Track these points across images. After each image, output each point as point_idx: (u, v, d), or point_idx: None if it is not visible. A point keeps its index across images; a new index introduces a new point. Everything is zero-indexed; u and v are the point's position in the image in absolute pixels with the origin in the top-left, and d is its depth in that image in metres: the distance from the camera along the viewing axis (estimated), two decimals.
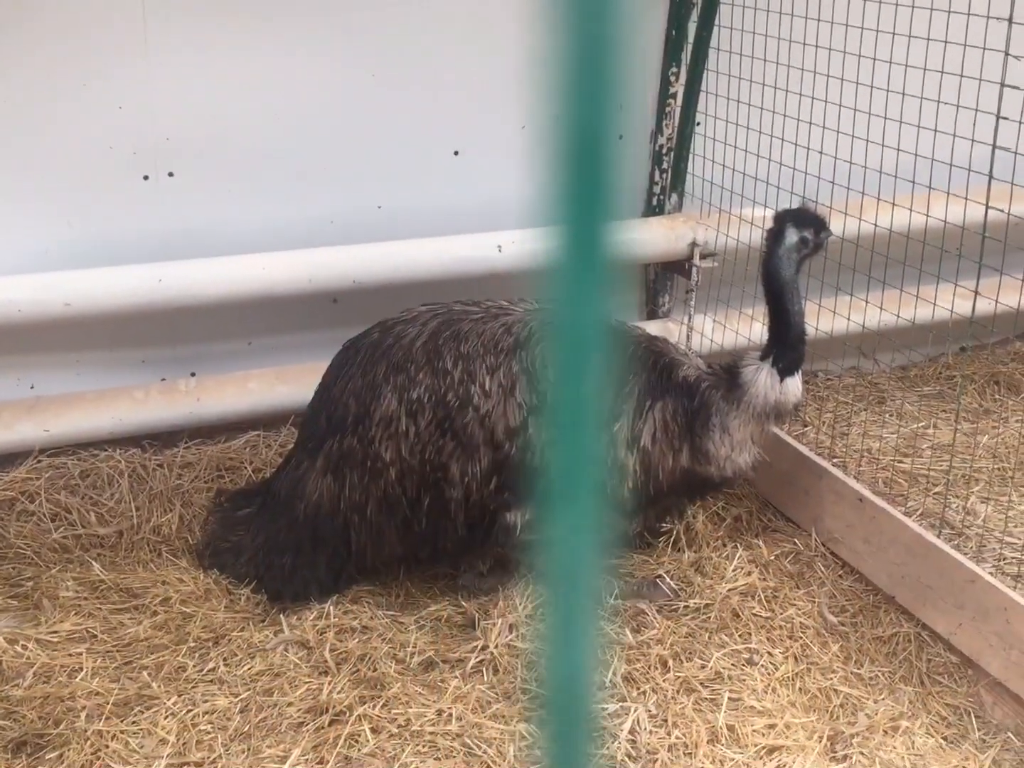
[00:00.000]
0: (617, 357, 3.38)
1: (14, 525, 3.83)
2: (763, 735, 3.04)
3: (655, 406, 3.52)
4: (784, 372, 3.50)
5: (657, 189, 4.65)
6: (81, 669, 3.26)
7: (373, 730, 3.05)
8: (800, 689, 3.26)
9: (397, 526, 3.51)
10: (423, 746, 3.01)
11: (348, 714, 3.07)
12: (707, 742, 3.01)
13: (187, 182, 4.00)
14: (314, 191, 4.20)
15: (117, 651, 3.36)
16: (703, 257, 4.48)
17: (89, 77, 3.77)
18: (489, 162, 4.37)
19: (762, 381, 3.50)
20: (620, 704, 3.13)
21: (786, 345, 3.50)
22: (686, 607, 3.53)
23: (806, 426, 4.51)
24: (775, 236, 3.48)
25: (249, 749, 2.98)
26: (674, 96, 4.48)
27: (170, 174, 3.98)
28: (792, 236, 3.47)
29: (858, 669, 3.34)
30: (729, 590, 3.57)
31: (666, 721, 3.09)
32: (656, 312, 4.80)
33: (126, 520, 3.90)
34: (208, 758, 2.95)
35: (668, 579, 3.61)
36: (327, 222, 4.22)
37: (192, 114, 3.94)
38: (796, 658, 3.36)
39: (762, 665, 3.32)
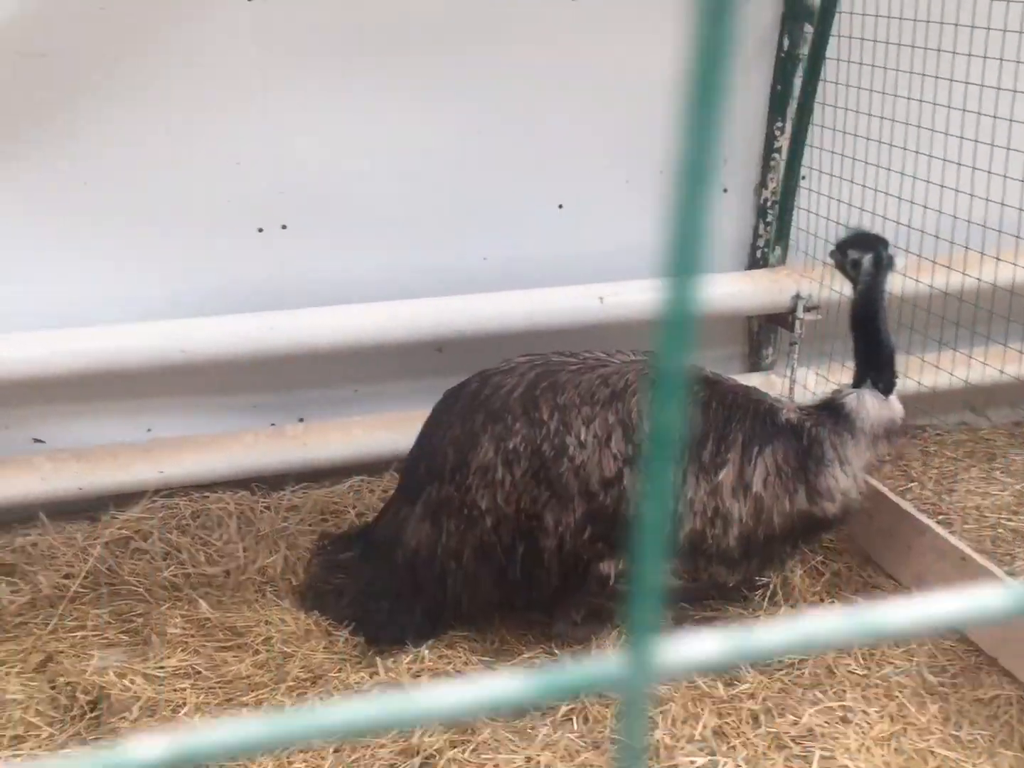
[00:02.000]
0: (715, 406, 3.41)
1: (128, 563, 3.98)
2: None
3: (764, 451, 3.54)
4: (885, 391, 3.54)
5: (761, 242, 4.66)
6: (184, 704, 3.37)
7: (453, 759, 3.09)
8: (896, 750, 3.20)
9: (492, 574, 3.56)
10: None
11: (438, 758, 3.12)
12: None
13: (299, 234, 4.14)
14: (421, 243, 4.31)
15: (220, 687, 3.47)
16: (806, 310, 4.48)
17: (210, 136, 3.94)
18: (593, 215, 4.44)
19: (869, 403, 3.53)
20: (709, 758, 3.13)
21: (882, 365, 3.54)
22: (780, 662, 3.50)
23: (912, 481, 4.46)
24: (875, 263, 3.50)
25: None
26: (779, 150, 4.49)
27: (283, 226, 4.13)
28: (885, 258, 3.52)
29: (957, 731, 3.27)
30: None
31: None
32: (759, 364, 4.80)
33: (233, 560, 4.02)
34: None
35: None
36: (433, 273, 4.32)
37: (306, 170, 4.09)
38: (892, 718, 3.31)
39: (856, 723, 3.27)
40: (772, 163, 4.52)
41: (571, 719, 3.30)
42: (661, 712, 3.28)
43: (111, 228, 3.94)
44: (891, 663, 3.51)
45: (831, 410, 3.59)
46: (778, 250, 4.63)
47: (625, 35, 4.18)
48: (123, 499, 4.14)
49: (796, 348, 4.54)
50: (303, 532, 4.18)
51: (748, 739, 3.21)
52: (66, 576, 3.94)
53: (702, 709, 3.29)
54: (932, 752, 3.19)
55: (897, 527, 3.91)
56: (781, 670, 3.48)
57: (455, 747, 3.16)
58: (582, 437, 3.44)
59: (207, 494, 4.20)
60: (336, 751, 3.18)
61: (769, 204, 4.60)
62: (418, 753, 3.14)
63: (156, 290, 4.02)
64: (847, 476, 3.56)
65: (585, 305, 4.28)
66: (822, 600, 3.79)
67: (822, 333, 4.42)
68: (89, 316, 3.91)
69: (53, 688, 3.46)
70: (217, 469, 4.13)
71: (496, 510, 3.49)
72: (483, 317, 4.22)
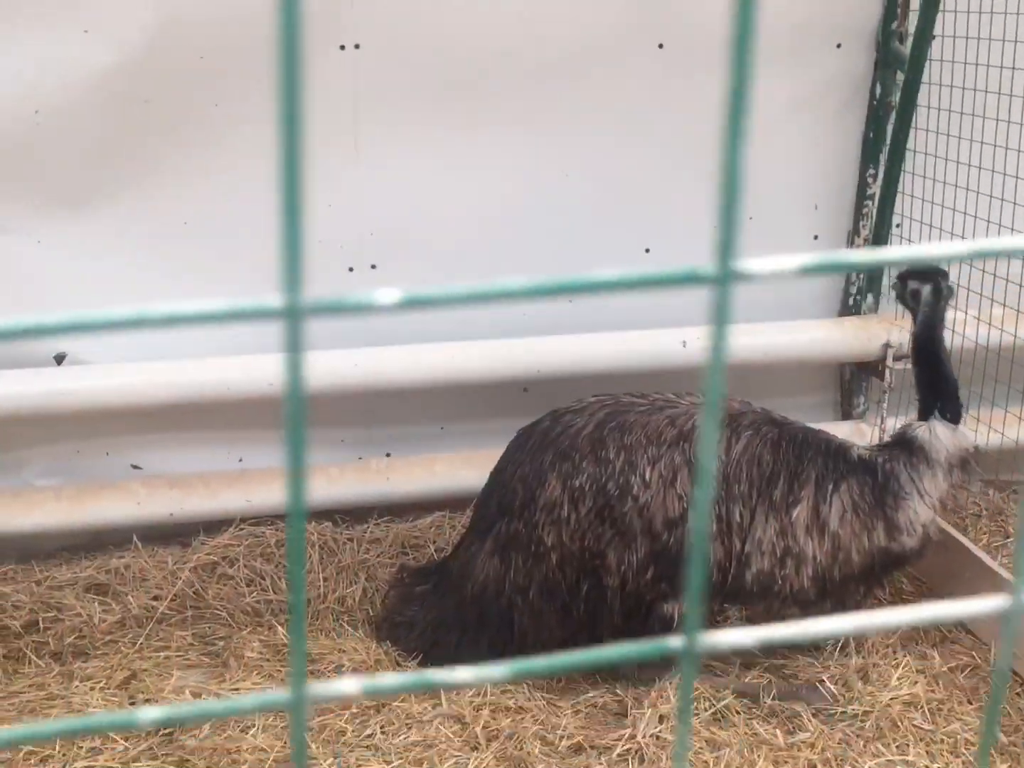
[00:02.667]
0: (785, 445, 3.39)
1: (213, 587, 4.13)
2: None
3: (839, 487, 3.53)
4: (954, 420, 3.54)
5: (853, 289, 4.62)
6: (253, 726, 3.47)
7: None
8: None
9: (557, 611, 3.59)
10: None
11: None
12: None
13: (388, 274, 4.27)
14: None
15: (289, 712, 3.55)
16: (896, 359, 4.42)
17: (307, 167, 4.10)
18: (680, 260, 4.46)
19: (942, 434, 3.53)
20: None
21: (947, 394, 3.55)
22: (843, 713, 3.44)
23: (1008, 538, 4.35)
24: (935, 293, 3.53)
25: None
26: (872, 197, 4.46)
27: (372, 266, 4.26)
28: (946, 290, 3.56)
29: None
30: (891, 699, 3.46)
31: None
32: (851, 413, 4.74)
33: (314, 589, 4.13)
34: None
35: (828, 684, 3.53)
36: (519, 313, 4.40)
37: (396, 212, 4.21)
38: None
39: None
40: (865, 210, 4.49)
41: (627, 759, 3.30)
42: (716, 756, 3.26)
43: (207, 266, 4.11)
44: (960, 719, 3.42)
45: (902, 444, 3.59)
46: (870, 298, 4.59)
47: (710, 81, 4.22)
48: (212, 526, 4.29)
49: (886, 397, 4.48)
50: (383, 564, 4.27)
51: None
52: (155, 598, 4.10)
53: (758, 756, 3.25)
54: None
55: (978, 582, 3.82)
56: (844, 721, 3.42)
57: None
58: (647, 477, 3.46)
59: None
60: None
61: None
62: None
63: (248, 326, 4.17)
64: (926, 507, 3.54)
65: (668, 349, 4.31)
66: (895, 652, 3.70)
67: (912, 382, 4.35)
68: (185, 350, 4.09)
69: (132, 704, 3.59)
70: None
71: (561, 547, 3.53)
72: (568, 358, 4.28)
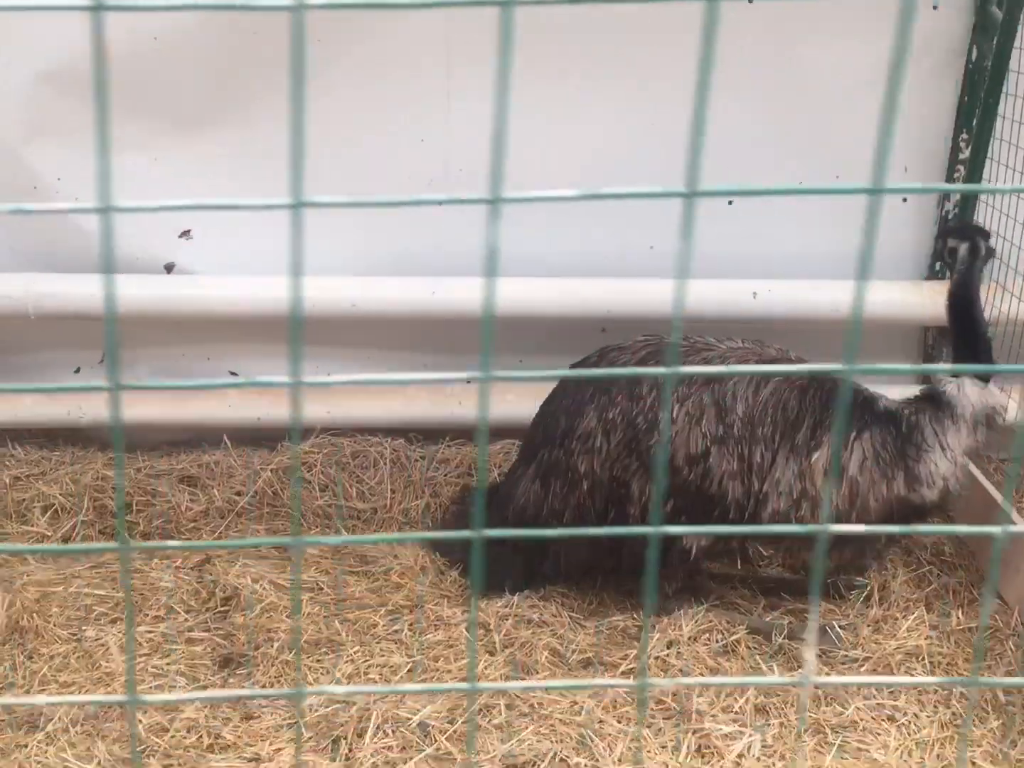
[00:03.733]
0: (813, 392, 3.48)
1: (288, 489, 4.47)
2: None
3: (861, 436, 3.61)
4: (984, 378, 3.58)
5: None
6: (298, 612, 3.80)
7: (508, 706, 3.35)
8: (938, 756, 3.20)
9: (581, 538, 3.78)
10: (544, 728, 3.27)
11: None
12: None
13: (474, 210, 4.48)
14: (591, 226, 4.56)
15: (332, 603, 3.87)
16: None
17: (399, 117, 4.36)
18: (762, 214, 4.54)
19: (970, 390, 3.58)
20: (738, 727, 3.24)
21: (980, 352, 3.59)
22: (846, 656, 3.55)
23: None
24: (972, 251, 3.58)
25: (399, 702, 3.37)
26: (963, 162, 4.43)
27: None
28: (984, 249, 3.60)
29: (1010, 749, 3.22)
30: (895, 648, 3.54)
31: (776, 752, 3.17)
32: (929, 379, 4.73)
33: (381, 499, 4.43)
34: (364, 702, 3.36)
35: (837, 628, 3.63)
36: (600, 257, 4.57)
37: (483, 152, 4.42)
38: (943, 725, 3.29)
39: (903, 724, 3.28)
40: (956, 175, 4.47)
41: (629, 676, 3.48)
42: (702, 675, 3.41)
43: (308, 193, 4.41)
44: (962, 674, 3.47)
45: (931, 399, 3.65)
46: None
47: (798, 39, 4.27)
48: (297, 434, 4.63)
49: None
50: (448, 483, 4.53)
51: (788, 720, 3.30)
52: (237, 493, 4.47)
53: (748, 685, 3.39)
54: (975, 763, 3.17)
55: (1016, 549, 3.83)
56: (844, 664, 3.52)
57: (508, 682, 3.42)
58: (674, 413, 3.61)
59: (369, 438, 4.63)
60: (409, 671, 3.51)
61: (950, 216, 4.54)
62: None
63: (340, 250, 4.47)
64: (948, 461, 3.60)
65: (738, 299, 4.41)
66: (916, 608, 3.76)
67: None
68: (280, 267, 4.41)
69: (200, 583, 3.96)
70: (378, 416, 4.56)
71: (592, 475, 3.72)
72: (642, 301, 4.43)
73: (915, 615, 3.71)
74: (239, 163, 4.38)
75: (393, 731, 3.23)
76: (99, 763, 3.10)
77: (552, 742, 3.21)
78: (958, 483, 3.64)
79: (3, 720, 3.31)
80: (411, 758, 3.15)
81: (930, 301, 4.47)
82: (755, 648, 3.65)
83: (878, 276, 4.57)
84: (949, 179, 4.50)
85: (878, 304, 4.47)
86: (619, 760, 3.15)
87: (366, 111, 4.35)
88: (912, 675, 3.44)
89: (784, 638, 3.64)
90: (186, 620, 3.78)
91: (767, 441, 3.58)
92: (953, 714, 3.34)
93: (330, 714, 3.28)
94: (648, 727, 3.27)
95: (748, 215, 4.55)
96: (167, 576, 4.00)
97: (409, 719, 3.26)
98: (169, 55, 4.17)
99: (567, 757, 3.16)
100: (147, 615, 3.81)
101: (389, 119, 4.38)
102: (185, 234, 4.48)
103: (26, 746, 3.19)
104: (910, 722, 3.30)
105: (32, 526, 4.28)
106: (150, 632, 3.73)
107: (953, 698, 3.38)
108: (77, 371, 4.70)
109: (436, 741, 3.21)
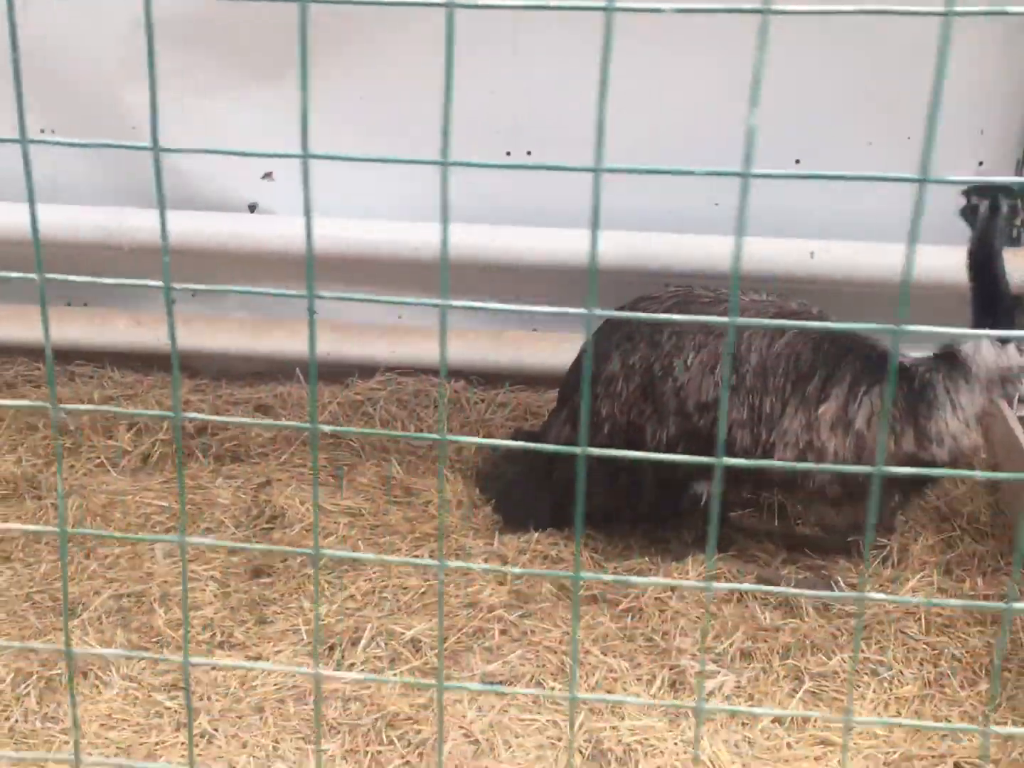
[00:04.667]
0: (827, 346, 3.50)
1: (354, 423, 4.71)
2: (830, 738, 3.07)
3: (871, 390, 3.61)
4: (1003, 339, 3.52)
5: (1018, 221, 4.49)
6: (332, 535, 4.03)
7: (502, 631, 3.50)
8: (916, 712, 3.21)
9: (605, 479, 3.88)
10: (531, 653, 3.41)
11: (487, 613, 3.55)
12: (771, 720, 3.11)
13: (541, 160, 4.61)
14: (655, 183, 4.62)
15: (369, 528, 4.08)
16: None
17: (468, 67, 4.49)
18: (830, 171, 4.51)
19: (986, 350, 3.53)
20: (716, 666, 3.31)
21: (999, 313, 3.51)
22: (842, 609, 3.56)
23: None
24: (992, 209, 3.52)
25: (404, 622, 3.55)
26: None
27: (528, 152, 4.62)
28: (1005, 207, 3.55)
29: (992, 712, 3.19)
30: (895, 606, 3.53)
31: (746, 693, 3.23)
32: None
33: (467, 433, 4.62)
34: (371, 617, 3.57)
35: (842, 582, 3.64)
36: (664, 212, 4.62)
37: (552, 104, 4.54)
38: (928, 683, 3.29)
39: (885, 679, 3.29)
40: None
41: (627, 614, 3.58)
42: (697, 620, 3.49)
43: (380, 140, 4.63)
44: (959, 638, 3.44)
45: (946, 357, 3.61)
46: None
47: None
48: (365, 371, 4.86)
49: None
50: (503, 426, 4.69)
51: (770, 666, 3.35)
52: (305, 423, 4.72)
53: (739, 629, 3.45)
54: (949, 721, 3.16)
55: None
56: (841, 618, 3.53)
57: (506, 608, 3.58)
58: (689, 361, 3.68)
59: (431, 378, 4.82)
60: (423, 593, 3.70)
61: None
62: (474, 606, 3.59)
63: (406, 195, 4.66)
64: (959, 421, 3.56)
65: (795, 258, 4.41)
66: (932, 571, 3.73)
67: None
68: (354, 211, 4.64)
69: (254, 501, 4.24)
70: (437, 356, 4.73)
71: (612, 419, 3.82)
72: (704, 256, 4.47)
73: (921, 575, 3.68)
74: (316, 109, 4.61)
75: (386, 644, 3.43)
76: (119, 645, 3.40)
77: (534, 666, 3.36)
78: (970, 443, 3.59)
79: (50, 606, 3.65)
80: (398, 669, 3.34)
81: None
82: (762, 598, 3.69)
83: (948, 242, 4.50)
84: None
85: (943, 270, 4.38)
86: (592, 687, 3.27)
87: (438, 64, 4.51)
88: (906, 633, 3.43)
89: (789, 587, 3.67)
90: (233, 533, 4.06)
91: (778, 392, 3.61)
92: (940, 673, 3.33)
93: (331, 624, 3.50)
94: (628, 661, 3.37)
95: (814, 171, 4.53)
96: (226, 494, 4.29)
97: (403, 634, 3.45)
98: (254, 4, 4.42)
99: (543, 681, 3.30)
100: (199, 527, 4.11)
101: (464, 71, 4.52)
102: (267, 176, 4.75)
103: (60, 630, 3.51)
104: (894, 677, 3.31)
105: (116, 441, 4.63)
106: (200, 543, 4.01)
107: (943, 658, 3.37)
108: (173, 302, 5.02)
109: (425, 656, 3.39)
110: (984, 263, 3.55)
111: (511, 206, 4.69)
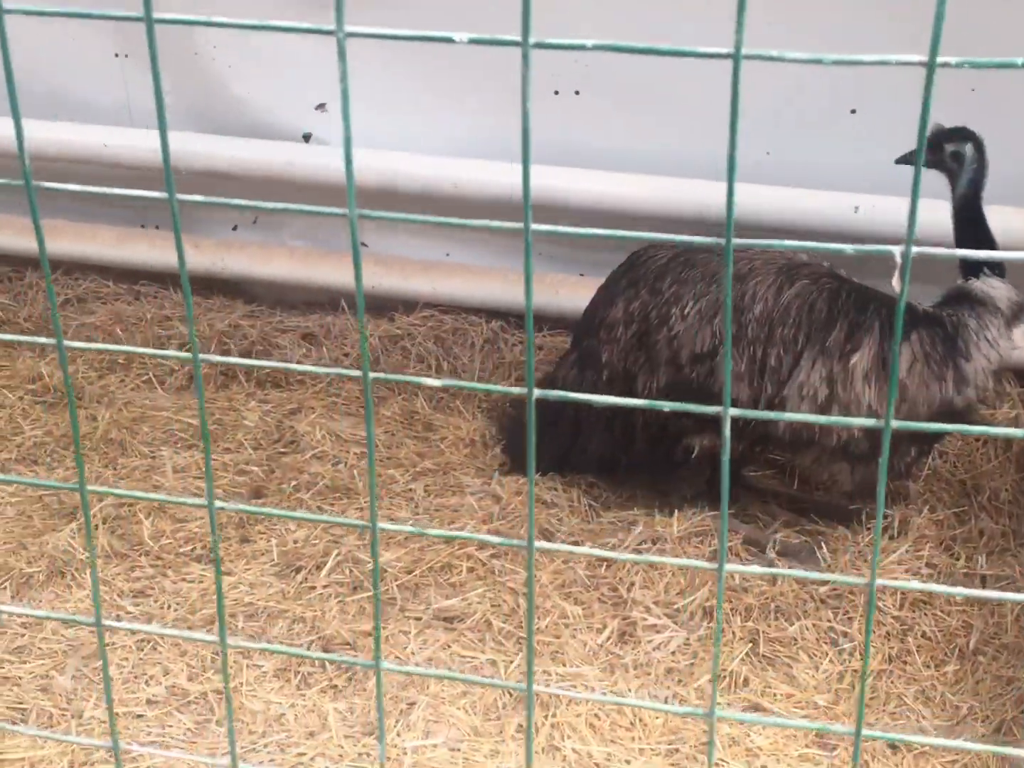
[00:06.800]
0: (846, 296, 3.35)
1: (391, 357, 4.74)
2: (762, 704, 2.98)
3: (909, 338, 3.49)
4: (1001, 275, 3.49)
5: None
6: (342, 463, 4.09)
7: (470, 569, 3.51)
8: (868, 686, 3.08)
9: (603, 426, 3.83)
10: (492, 592, 3.41)
11: (459, 550, 3.56)
12: (707, 680, 3.03)
13: (590, 102, 4.54)
14: (708, 129, 4.46)
15: (379, 460, 4.13)
16: None
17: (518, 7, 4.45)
18: (888, 125, 4.29)
19: (997, 285, 3.49)
20: (669, 621, 3.24)
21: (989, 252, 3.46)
22: (824, 582, 3.42)
23: None
24: (978, 149, 3.47)
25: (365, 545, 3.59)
26: None
27: (576, 92, 4.54)
28: (983, 151, 3.48)
29: (952, 695, 3.04)
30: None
31: (691, 651, 3.15)
32: None
33: (468, 376, 4.63)
34: (345, 544, 3.61)
35: (826, 550, 3.51)
36: (715, 159, 4.47)
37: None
38: (889, 659, 3.16)
39: (845, 649, 3.17)
40: None
41: (602, 564, 3.53)
42: (659, 572, 3.41)
43: (429, 77, 4.63)
44: (933, 615, 3.28)
45: (963, 298, 3.51)
46: None
47: None
48: (407, 305, 4.89)
49: None
50: (537, 369, 4.65)
51: (728, 626, 3.26)
52: (344, 354, 4.80)
53: (702, 585, 3.36)
54: (904, 702, 3.02)
55: None
56: (816, 584, 3.41)
57: (483, 548, 3.57)
58: (686, 311, 3.58)
59: (471, 317, 4.81)
60: (412, 524, 3.73)
61: None
62: (454, 544, 3.60)
63: (463, 132, 4.65)
64: (991, 358, 3.50)
65: (838, 214, 4.23)
66: (929, 545, 3.55)
67: None
68: (407, 145, 4.66)
69: (279, 427, 4.33)
70: (478, 296, 4.74)
71: (611, 365, 3.76)
72: (747, 206, 4.32)
73: (908, 548, 3.51)
74: (374, 45, 4.62)
75: (350, 571, 3.47)
76: (102, 549, 3.54)
77: (490, 605, 3.35)
78: (988, 380, 3.52)
79: (57, 508, 3.82)
80: (356, 597, 3.38)
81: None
82: (744, 559, 3.60)
83: (999, 201, 4.25)
84: None
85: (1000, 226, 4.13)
86: (540, 630, 3.24)
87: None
88: (877, 606, 3.29)
89: (775, 552, 3.56)
90: (250, 455, 4.16)
91: (787, 343, 3.48)
92: (906, 650, 3.19)
93: (300, 547, 3.56)
94: (584, 608, 3.33)
95: (873, 125, 4.33)
96: (253, 417, 4.40)
97: (368, 562, 3.49)
98: None
99: (492, 620, 3.29)
100: (219, 446, 4.22)
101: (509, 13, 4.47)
102: (321, 107, 4.80)
103: (57, 531, 3.67)
104: (855, 649, 3.18)
105: (165, 360, 4.79)
106: (214, 459, 4.13)
107: (910, 635, 3.22)
108: (235, 228, 5.16)
109: (388, 585, 3.42)
110: (977, 207, 3.48)
111: (558, 146, 4.62)
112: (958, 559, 3.52)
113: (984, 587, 3.44)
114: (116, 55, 4.95)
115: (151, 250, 5.09)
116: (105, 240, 5.14)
